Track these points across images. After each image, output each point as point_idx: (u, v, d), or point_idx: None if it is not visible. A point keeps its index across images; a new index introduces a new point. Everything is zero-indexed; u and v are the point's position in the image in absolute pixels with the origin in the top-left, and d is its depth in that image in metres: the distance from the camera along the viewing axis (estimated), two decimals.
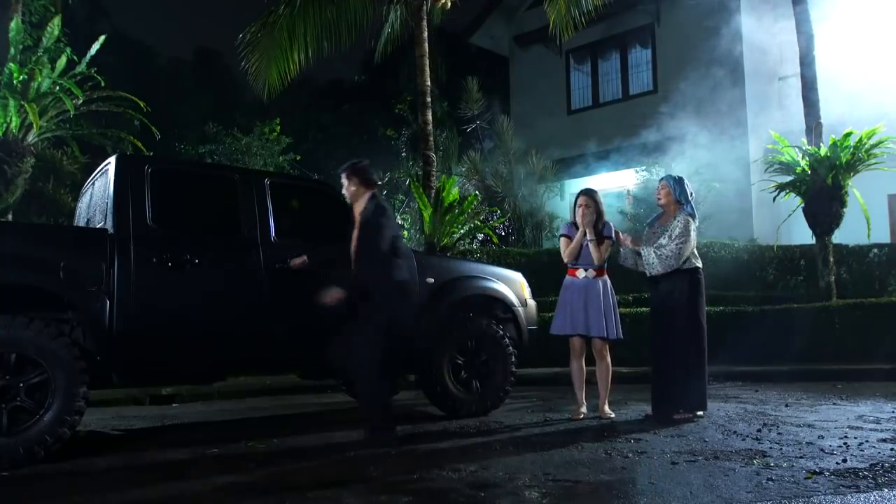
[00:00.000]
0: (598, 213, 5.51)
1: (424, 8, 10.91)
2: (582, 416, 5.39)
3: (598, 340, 5.44)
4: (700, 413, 5.23)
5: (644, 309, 7.84)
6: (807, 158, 9.32)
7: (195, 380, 6.02)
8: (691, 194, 5.43)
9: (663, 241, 5.24)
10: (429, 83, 10.86)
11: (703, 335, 5.23)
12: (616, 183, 14.11)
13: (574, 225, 5.56)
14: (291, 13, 10.60)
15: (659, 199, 5.48)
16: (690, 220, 5.25)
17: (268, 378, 8.00)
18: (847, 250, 11.02)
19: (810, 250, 10.37)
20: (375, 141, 18.57)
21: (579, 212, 5.49)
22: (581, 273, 5.44)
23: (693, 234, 5.23)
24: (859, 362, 7.83)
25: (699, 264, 5.32)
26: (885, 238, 12.14)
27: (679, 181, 5.43)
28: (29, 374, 4.05)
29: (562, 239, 5.60)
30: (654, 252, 5.26)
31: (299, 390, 7.86)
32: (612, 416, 5.41)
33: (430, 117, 10.83)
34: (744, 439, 4.34)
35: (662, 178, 5.58)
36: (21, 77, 7.85)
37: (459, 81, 16.24)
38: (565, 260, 5.50)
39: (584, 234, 5.43)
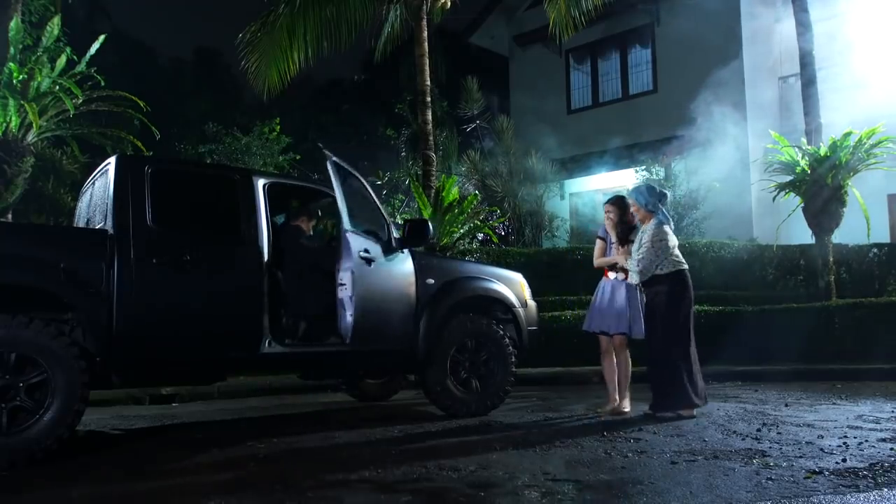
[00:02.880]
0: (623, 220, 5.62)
1: (424, 8, 10.91)
2: (626, 410, 5.47)
3: (622, 337, 5.54)
4: (684, 413, 5.19)
5: None
6: (807, 158, 9.32)
7: (195, 380, 6.02)
8: (663, 196, 5.42)
9: (633, 250, 5.37)
10: (429, 83, 10.86)
11: (684, 336, 5.23)
12: (616, 183, 14.12)
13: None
14: (291, 13, 10.60)
15: (635, 217, 5.54)
16: (662, 225, 5.28)
17: (268, 378, 8.00)
18: (847, 250, 11.00)
19: (810, 250, 10.37)
20: (375, 141, 18.58)
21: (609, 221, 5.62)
22: (612, 275, 5.62)
23: (669, 239, 5.25)
24: (859, 362, 7.83)
25: (684, 266, 5.32)
26: (885, 238, 12.13)
27: (642, 191, 5.44)
28: (29, 374, 4.05)
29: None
30: (631, 267, 5.38)
31: (299, 390, 7.86)
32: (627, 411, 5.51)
33: (429, 117, 10.83)
34: (743, 439, 4.35)
35: (629, 196, 5.55)
36: (21, 76, 7.86)
37: (459, 81, 16.25)
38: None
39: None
